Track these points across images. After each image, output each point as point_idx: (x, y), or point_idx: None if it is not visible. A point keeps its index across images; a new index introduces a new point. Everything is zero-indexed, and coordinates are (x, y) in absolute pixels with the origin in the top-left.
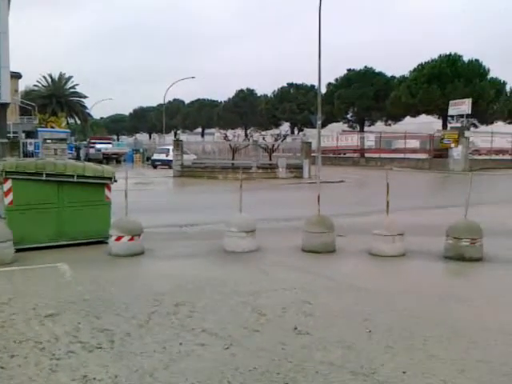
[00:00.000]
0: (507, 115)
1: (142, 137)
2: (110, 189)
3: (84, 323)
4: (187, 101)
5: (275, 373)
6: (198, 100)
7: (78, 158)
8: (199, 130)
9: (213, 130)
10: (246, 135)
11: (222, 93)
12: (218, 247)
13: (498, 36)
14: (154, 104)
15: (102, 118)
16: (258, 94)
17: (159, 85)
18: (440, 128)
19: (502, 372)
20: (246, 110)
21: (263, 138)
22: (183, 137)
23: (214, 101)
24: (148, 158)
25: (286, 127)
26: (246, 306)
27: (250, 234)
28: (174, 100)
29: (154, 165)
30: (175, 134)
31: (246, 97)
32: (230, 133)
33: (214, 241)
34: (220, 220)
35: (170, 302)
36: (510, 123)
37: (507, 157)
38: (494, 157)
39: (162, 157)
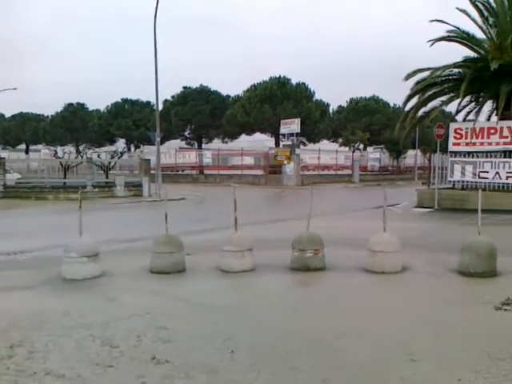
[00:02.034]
0: (331, 134)
1: None
2: None
3: None
4: (8, 114)
5: None
6: (21, 113)
7: None
8: (23, 146)
9: (39, 147)
10: (79, 152)
11: (48, 106)
12: (57, 275)
13: (321, 60)
14: None
15: None
16: (90, 109)
17: None
18: (273, 146)
19: (361, 376)
20: (76, 125)
21: (98, 155)
22: (4, 154)
23: (39, 115)
24: None
25: (121, 144)
26: (94, 339)
27: (93, 258)
28: None
29: None
30: None
31: (76, 111)
32: (59, 149)
33: (51, 268)
34: (56, 245)
35: (2, 344)
36: (333, 141)
37: (332, 172)
38: (320, 172)
39: None
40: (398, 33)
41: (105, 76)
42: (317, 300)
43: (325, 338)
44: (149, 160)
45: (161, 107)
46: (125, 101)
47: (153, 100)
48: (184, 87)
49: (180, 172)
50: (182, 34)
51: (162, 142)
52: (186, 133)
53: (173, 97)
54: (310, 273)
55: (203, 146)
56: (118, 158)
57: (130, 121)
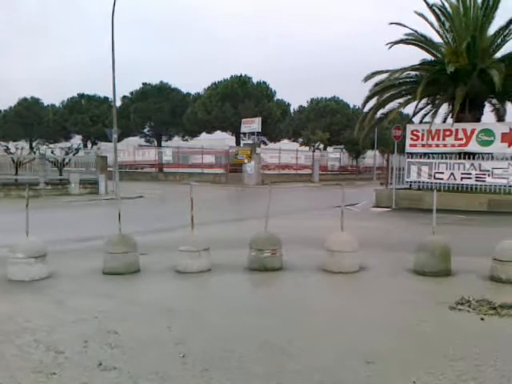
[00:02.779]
0: (292, 134)
1: None
2: None
3: None
4: None
5: None
6: None
7: None
8: None
9: None
10: (32, 148)
11: (1, 101)
12: (2, 277)
13: (283, 61)
14: None
15: None
16: (45, 104)
17: None
18: (234, 144)
19: (315, 380)
20: (31, 120)
21: (52, 152)
22: None
23: None
24: None
25: (77, 140)
26: (38, 345)
27: (40, 259)
28: None
29: None
30: None
31: (30, 106)
32: (11, 145)
33: None
34: (2, 244)
35: None
36: (294, 141)
37: (292, 171)
38: (281, 171)
39: None
40: (362, 35)
41: (61, 71)
42: (273, 301)
43: (280, 341)
44: (106, 157)
45: (119, 103)
46: (81, 96)
47: (111, 96)
48: (143, 84)
49: (139, 170)
50: (143, 32)
51: (120, 139)
52: (146, 130)
53: (131, 93)
54: (268, 273)
55: (163, 143)
56: (73, 154)
57: (86, 117)
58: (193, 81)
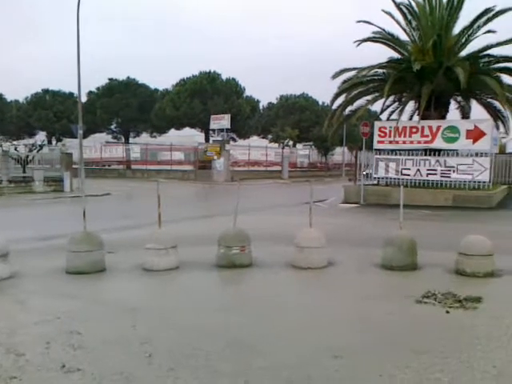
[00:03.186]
0: (261, 131)
1: None
2: None
3: None
4: None
5: None
6: None
7: None
8: None
9: None
10: None
11: None
12: None
13: (252, 58)
14: None
15: None
16: (8, 100)
17: None
18: (203, 141)
19: (283, 377)
20: None
21: (15, 148)
22: None
23: None
24: None
25: (42, 136)
26: None
27: (2, 258)
28: None
29: None
30: None
31: None
32: None
33: None
34: None
35: None
36: (263, 138)
37: (262, 168)
38: (251, 168)
39: None
40: (332, 33)
41: (25, 65)
42: (242, 298)
43: (249, 338)
44: (71, 154)
45: (85, 99)
46: (46, 91)
47: (76, 91)
48: (110, 79)
49: (106, 167)
50: (111, 28)
51: (86, 136)
52: (113, 126)
53: (98, 89)
54: (236, 270)
55: (131, 140)
56: (37, 151)
57: (51, 112)
58: (165, 78)
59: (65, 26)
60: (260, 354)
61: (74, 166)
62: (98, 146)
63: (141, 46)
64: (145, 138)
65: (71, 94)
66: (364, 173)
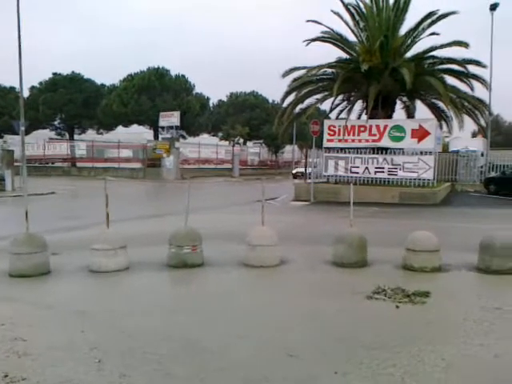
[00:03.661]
0: (211, 128)
1: None
2: None
3: None
4: None
5: None
6: None
7: None
8: None
9: None
10: None
11: None
12: None
13: (202, 55)
14: None
15: None
16: None
17: None
18: (152, 138)
19: (239, 377)
20: None
21: None
22: None
23: None
24: None
25: None
26: None
27: None
28: None
29: None
30: None
31: None
32: None
33: None
34: None
35: None
36: (213, 135)
37: (212, 166)
38: (201, 166)
39: None
40: (283, 32)
41: None
42: (194, 299)
43: (202, 340)
44: (12, 151)
45: (27, 94)
46: None
47: (17, 86)
48: (54, 73)
49: (50, 164)
50: (55, 22)
51: (28, 132)
52: (56, 122)
53: (41, 83)
54: (188, 269)
55: (76, 136)
56: None
57: None
58: (114, 74)
59: (5, 17)
60: (215, 354)
61: (15, 164)
62: (40, 142)
63: (90, 40)
64: (91, 134)
65: (12, 88)
66: (302, 170)
